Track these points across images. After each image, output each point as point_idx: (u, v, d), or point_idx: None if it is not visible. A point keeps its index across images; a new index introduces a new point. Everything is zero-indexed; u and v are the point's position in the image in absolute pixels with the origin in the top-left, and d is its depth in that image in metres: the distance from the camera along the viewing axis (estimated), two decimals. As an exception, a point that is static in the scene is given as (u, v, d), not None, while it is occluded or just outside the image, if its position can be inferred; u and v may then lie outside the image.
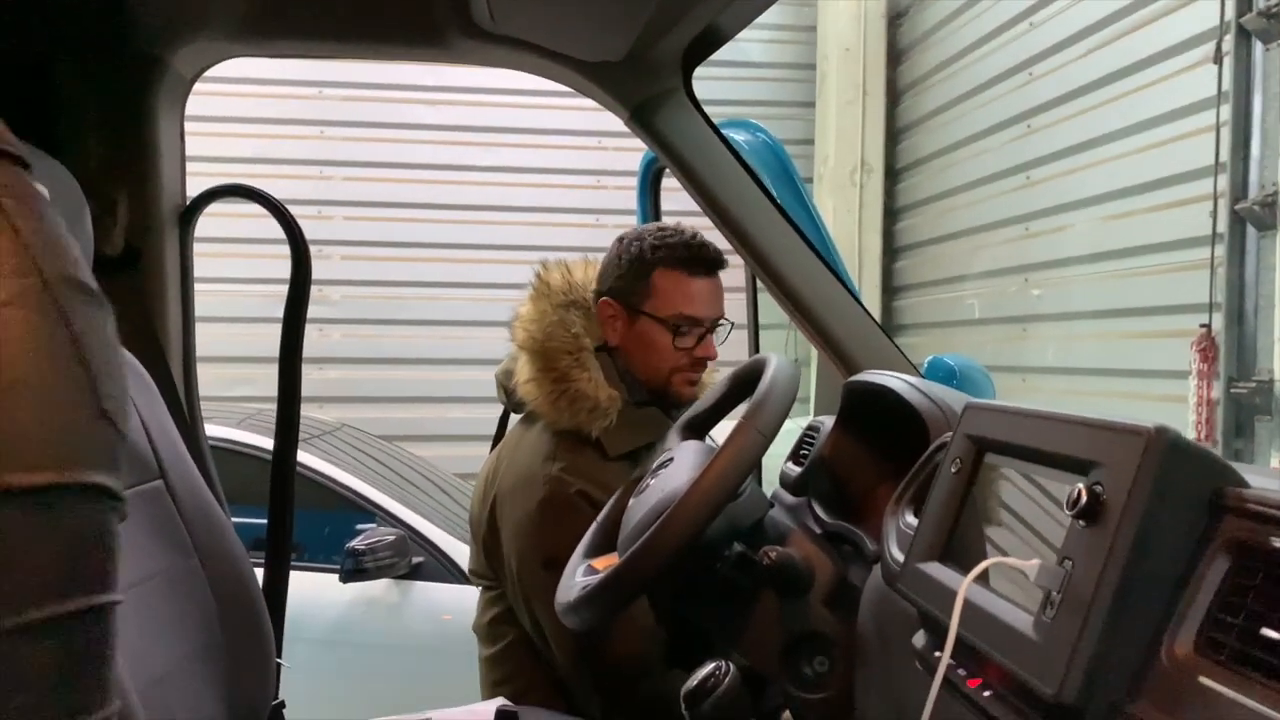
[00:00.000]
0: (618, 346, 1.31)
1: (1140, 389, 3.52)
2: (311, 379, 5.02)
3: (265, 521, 1.32)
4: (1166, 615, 0.53)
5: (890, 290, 5.48)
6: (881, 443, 1.10)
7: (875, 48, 5.40)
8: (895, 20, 5.47)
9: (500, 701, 1.17)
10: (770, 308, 1.49)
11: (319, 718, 2.06)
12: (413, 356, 5.16)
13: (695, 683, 0.89)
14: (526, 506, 1.23)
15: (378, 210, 5.18)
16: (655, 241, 1.30)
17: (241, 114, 4.99)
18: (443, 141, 5.24)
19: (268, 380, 1.32)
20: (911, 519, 0.81)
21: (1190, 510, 0.54)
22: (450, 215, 5.22)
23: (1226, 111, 3.04)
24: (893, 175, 5.47)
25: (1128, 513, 0.53)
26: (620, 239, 1.34)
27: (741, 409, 1.01)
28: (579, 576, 1.04)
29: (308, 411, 4.12)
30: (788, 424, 1.37)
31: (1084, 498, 0.55)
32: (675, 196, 1.58)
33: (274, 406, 1.32)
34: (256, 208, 1.33)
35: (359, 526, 2.49)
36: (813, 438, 1.19)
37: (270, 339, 1.31)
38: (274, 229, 1.30)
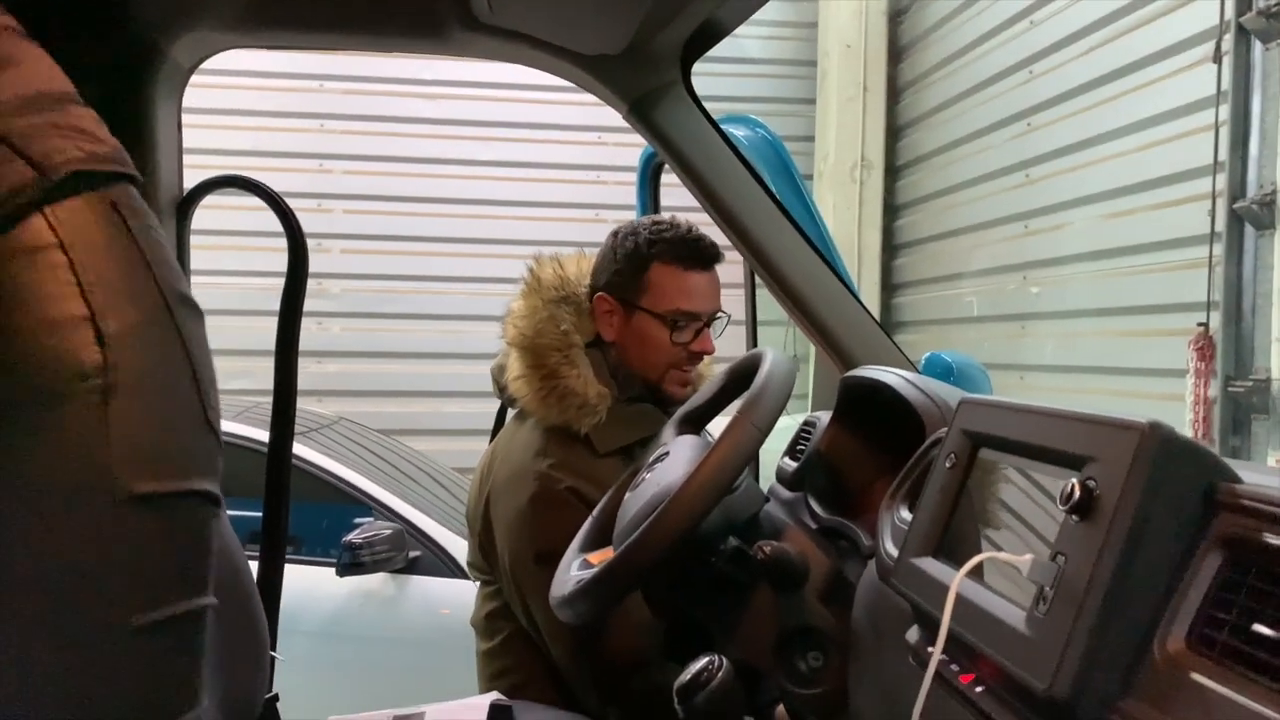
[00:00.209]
0: (614, 341, 1.31)
1: (1138, 387, 3.53)
2: (310, 372, 5.06)
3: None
4: (1159, 611, 0.53)
5: (890, 287, 5.48)
6: (878, 438, 1.10)
7: (876, 45, 5.39)
8: (896, 17, 5.47)
9: (495, 695, 1.17)
10: (769, 304, 1.49)
11: (315, 711, 2.06)
12: (412, 350, 5.16)
13: (688, 677, 0.89)
14: (518, 502, 1.23)
15: (378, 204, 5.17)
16: (651, 236, 1.29)
17: (242, 107, 4.99)
18: (443, 136, 5.23)
19: (265, 373, 1.32)
20: (906, 514, 0.81)
21: (1183, 506, 0.53)
22: (451, 210, 5.22)
23: (1225, 111, 3.04)
24: (893, 172, 5.47)
25: (1121, 508, 0.53)
26: (615, 233, 1.34)
27: (738, 404, 1.01)
28: (574, 570, 1.04)
29: (306, 405, 4.11)
30: (785, 420, 1.37)
31: (1077, 493, 0.55)
32: (675, 192, 1.58)
33: (271, 400, 1.31)
34: (254, 200, 1.33)
35: (356, 520, 2.49)
36: (809, 433, 1.19)
37: (268, 332, 1.30)
38: (272, 221, 1.30)
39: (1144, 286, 3.48)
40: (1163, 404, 3.23)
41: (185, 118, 1.38)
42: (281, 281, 1.32)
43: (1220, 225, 3.06)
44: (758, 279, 1.48)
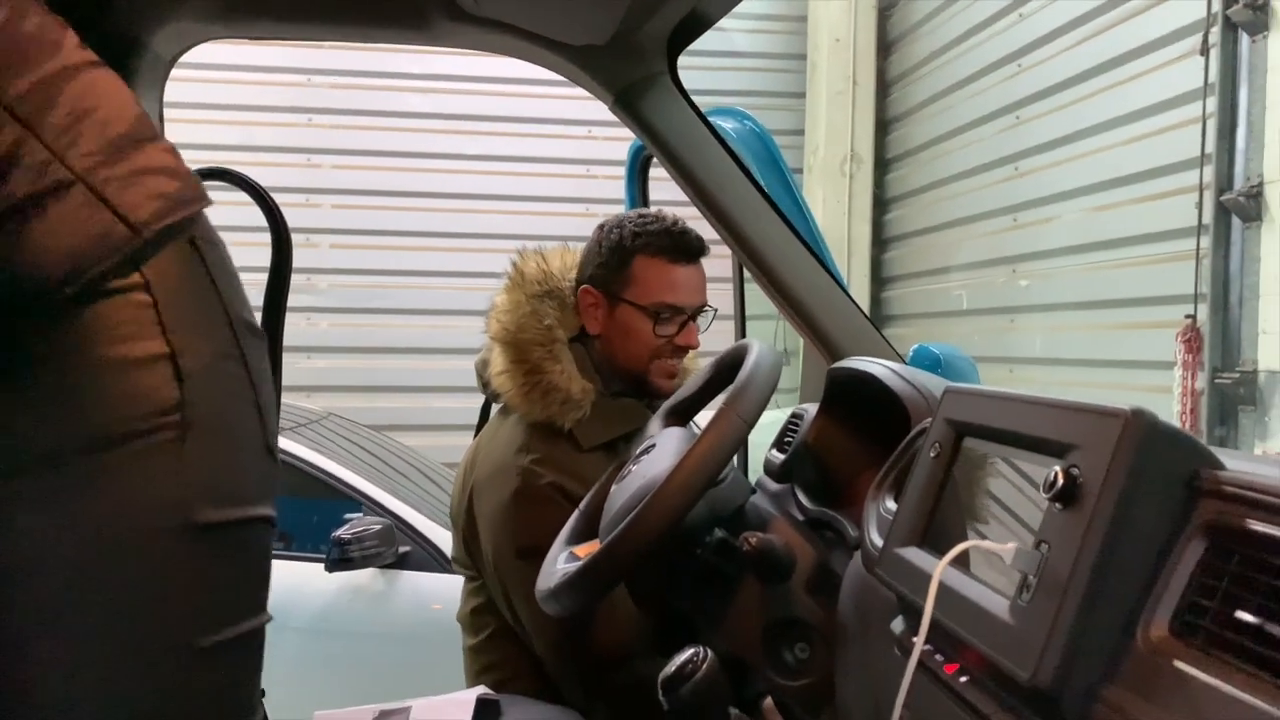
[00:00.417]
0: (598, 335, 1.30)
1: (1126, 379, 3.54)
2: (299, 368, 5.04)
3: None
4: (1142, 598, 0.53)
5: (879, 281, 5.49)
6: (865, 429, 1.10)
7: (865, 38, 5.39)
8: (885, 11, 5.47)
9: (481, 689, 1.17)
10: (759, 298, 1.49)
11: (304, 707, 2.05)
12: (401, 345, 5.14)
13: (673, 669, 0.89)
14: (500, 497, 1.23)
15: (366, 198, 5.15)
16: (636, 229, 1.29)
17: (230, 101, 4.96)
18: (432, 130, 5.21)
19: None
20: (891, 504, 0.81)
21: (1166, 493, 0.53)
22: (440, 204, 5.20)
23: (1212, 103, 3.05)
24: (882, 166, 5.48)
25: (1104, 495, 0.53)
26: (601, 226, 1.33)
27: (724, 396, 1.00)
28: (561, 564, 1.03)
29: (294, 400, 4.09)
30: (774, 413, 1.37)
31: (1060, 480, 0.55)
32: (664, 185, 1.57)
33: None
34: (240, 194, 1.31)
35: (345, 516, 2.48)
36: (797, 425, 1.19)
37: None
38: (258, 215, 1.29)
39: (1132, 279, 3.50)
40: (1151, 396, 3.25)
41: (172, 112, 1.37)
42: (266, 276, 1.30)
43: (1207, 218, 3.07)
44: (746, 273, 1.48)
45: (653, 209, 1.39)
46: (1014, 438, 0.65)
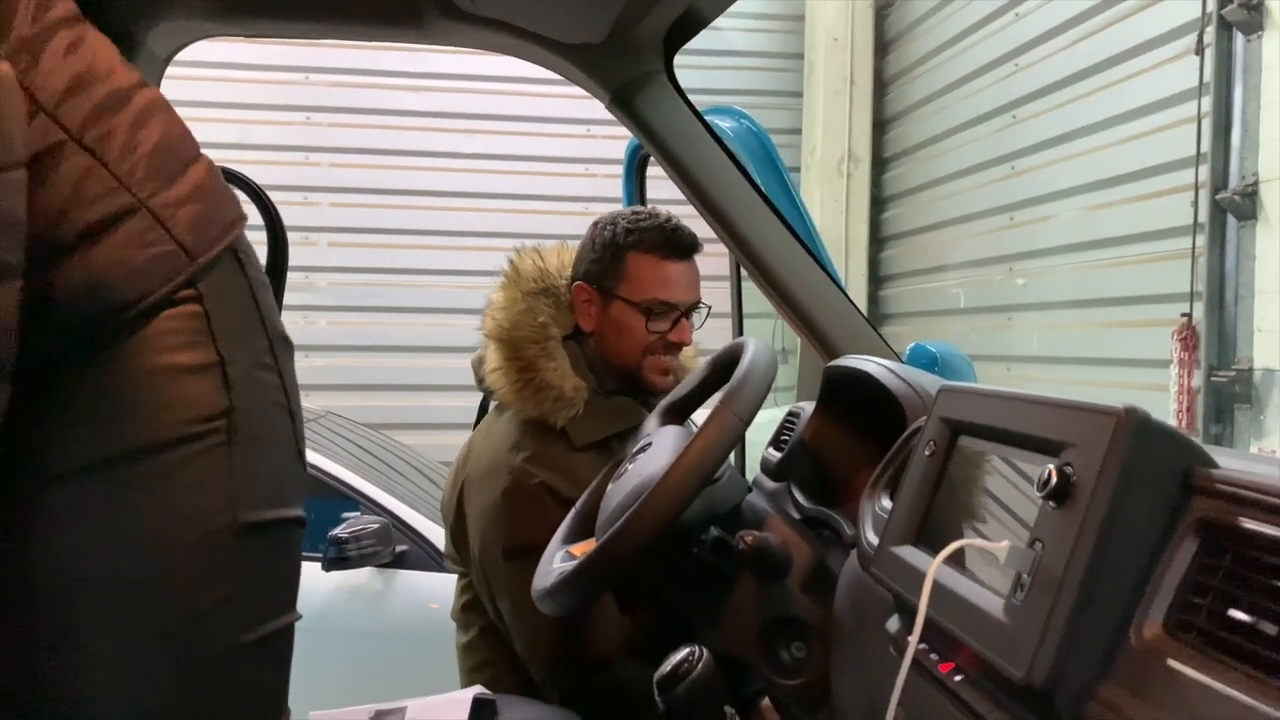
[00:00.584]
0: (592, 332, 1.30)
1: (1123, 378, 3.55)
2: (297, 366, 5.01)
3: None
4: (1136, 596, 0.53)
5: (876, 279, 5.49)
6: (861, 427, 1.10)
7: (863, 38, 5.39)
8: (883, 11, 5.47)
9: (478, 689, 1.17)
10: (757, 296, 1.49)
11: (301, 707, 2.05)
12: (399, 344, 5.14)
13: (669, 668, 0.89)
14: (490, 495, 1.23)
15: (365, 196, 5.14)
16: (629, 225, 1.29)
17: (228, 99, 4.95)
18: (431, 129, 5.21)
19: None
20: (887, 503, 0.81)
21: (1160, 490, 0.53)
22: (439, 202, 5.19)
23: (1207, 103, 3.05)
24: (879, 165, 5.48)
25: (1097, 493, 0.53)
26: (595, 224, 1.33)
27: (721, 394, 1.00)
28: (557, 563, 1.03)
29: (290, 399, 4.03)
30: (772, 412, 1.37)
31: (1054, 478, 0.55)
32: (662, 184, 1.57)
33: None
34: (236, 192, 1.31)
35: (343, 515, 2.48)
36: (793, 423, 1.19)
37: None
38: (253, 213, 1.29)
39: (1128, 277, 3.50)
40: (1147, 394, 3.25)
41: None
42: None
43: (1203, 216, 3.08)
44: (743, 271, 1.48)
45: (647, 207, 1.39)
46: (1008, 436, 0.65)
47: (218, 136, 4.79)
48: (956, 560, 0.64)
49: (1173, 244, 3.25)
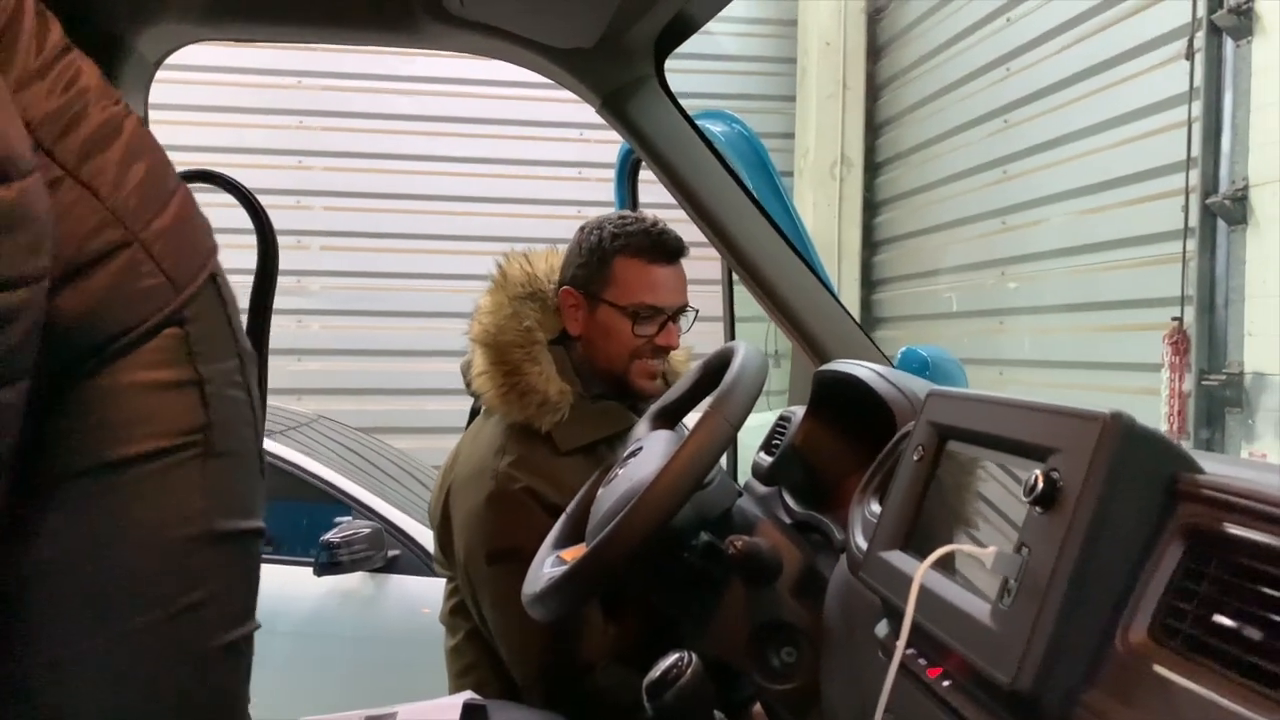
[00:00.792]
0: (579, 336, 1.30)
1: (1114, 381, 3.56)
2: (290, 370, 5.02)
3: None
4: (1122, 602, 0.53)
5: (869, 284, 5.51)
6: (852, 432, 1.10)
7: (855, 42, 5.41)
8: (875, 15, 5.49)
9: (468, 695, 1.16)
10: (749, 300, 1.49)
11: (290, 712, 2.04)
12: (392, 348, 5.13)
13: (657, 674, 0.88)
14: (475, 500, 1.23)
15: (357, 201, 5.13)
16: (615, 230, 1.29)
17: (220, 103, 4.94)
18: (424, 132, 5.20)
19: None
20: (876, 507, 0.81)
21: (1145, 496, 0.53)
22: (431, 206, 5.19)
23: (1198, 107, 3.07)
24: (872, 169, 5.49)
25: (1083, 499, 0.53)
26: (582, 228, 1.33)
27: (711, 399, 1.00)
28: (547, 567, 1.03)
29: (284, 403, 4.07)
30: (765, 416, 1.37)
31: (1041, 484, 0.55)
32: (654, 187, 1.57)
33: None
34: (226, 196, 1.31)
35: (335, 519, 2.47)
36: (784, 427, 1.19)
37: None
38: (245, 217, 1.28)
39: (1120, 281, 3.52)
40: (1139, 398, 3.26)
41: (163, 114, 1.36)
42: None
43: (1194, 220, 3.09)
44: (735, 275, 1.48)
45: (634, 211, 1.39)
46: (996, 441, 0.65)
47: (211, 141, 4.78)
48: (945, 565, 0.64)
49: (1164, 248, 3.27)
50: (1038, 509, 0.56)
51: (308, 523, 2.54)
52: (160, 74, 1.33)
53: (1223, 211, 3.02)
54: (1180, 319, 3.12)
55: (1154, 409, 3.14)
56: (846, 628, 0.87)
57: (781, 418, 1.23)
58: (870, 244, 5.50)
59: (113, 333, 0.54)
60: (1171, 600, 0.51)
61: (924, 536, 0.71)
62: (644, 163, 1.55)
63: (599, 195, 5.09)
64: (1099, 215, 3.63)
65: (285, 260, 1.31)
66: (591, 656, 1.20)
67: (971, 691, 0.61)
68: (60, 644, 0.54)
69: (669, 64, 1.33)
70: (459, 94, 5.19)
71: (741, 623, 0.98)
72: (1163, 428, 3.10)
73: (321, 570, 2.32)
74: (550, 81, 1.35)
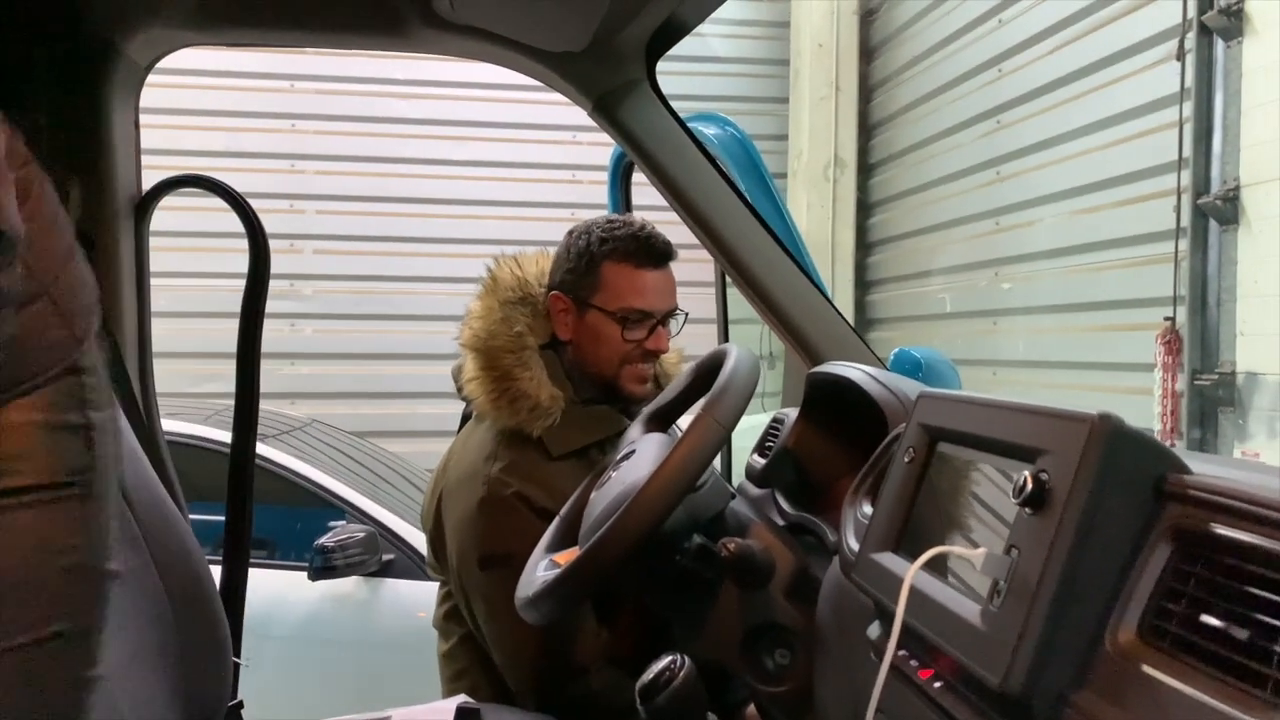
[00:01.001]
0: (569, 341, 1.30)
1: (1108, 381, 3.57)
2: (283, 374, 5.01)
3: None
4: (1110, 603, 0.53)
5: (863, 285, 5.51)
6: (845, 433, 1.10)
7: (848, 44, 5.42)
8: (867, 17, 5.50)
9: (462, 699, 1.16)
10: (743, 302, 1.49)
11: (284, 716, 2.04)
12: (385, 352, 5.12)
13: (650, 677, 0.88)
14: (466, 505, 1.23)
15: (350, 204, 5.13)
16: (603, 234, 1.28)
17: (212, 107, 4.93)
18: (417, 135, 5.20)
19: (233, 376, 1.30)
20: (868, 509, 0.81)
21: (1133, 497, 0.54)
22: (424, 209, 5.18)
23: (1189, 108, 3.08)
24: (865, 170, 5.50)
25: (1072, 500, 0.53)
26: (570, 232, 1.33)
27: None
28: (540, 571, 1.03)
29: (278, 407, 4.05)
30: (759, 418, 1.37)
31: (1030, 485, 0.55)
32: (647, 190, 1.58)
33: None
34: (219, 200, 1.31)
35: (329, 523, 2.46)
36: (777, 430, 1.19)
37: (235, 334, 1.29)
38: (238, 221, 1.28)
39: (1112, 282, 3.53)
40: (1132, 398, 3.27)
41: (154, 118, 1.36)
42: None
43: (1185, 221, 3.10)
44: (728, 277, 1.48)
45: (622, 215, 1.38)
46: (986, 442, 0.65)
47: (202, 145, 4.77)
48: (936, 567, 0.64)
49: (1156, 248, 3.28)
50: (1027, 510, 0.56)
51: (302, 527, 2.54)
52: (151, 78, 1.33)
53: (1214, 211, 3.03)
54: (1173, 319, 3.13)
55: (1147, 409, 3.15)
56: (839, 629, 0.87)
57: (775, 420, 1.23)
58: (864, 245, 5.51)
59: (17, 379, 0.57)
60: (1160, 601, 0.51)
61: (915, 538, 0.71)
62: (636, 165, 1.55)
63: (592, 198, 5.09)
64: (1092, 216, 3.64)
65: (277, 264, 1.31)
66: (585, 659, 1.20)
67: (962, 692, 0.61)
68: None
69: (661, 66, 1.33)
70: (451, 97, 5.19)
71: (734, 625, 0.98)
72: (1156, 428, 3.12)
73: (316, 575, 2.31)
74: (542, 84, 1.35)
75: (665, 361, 1.38)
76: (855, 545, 0.78)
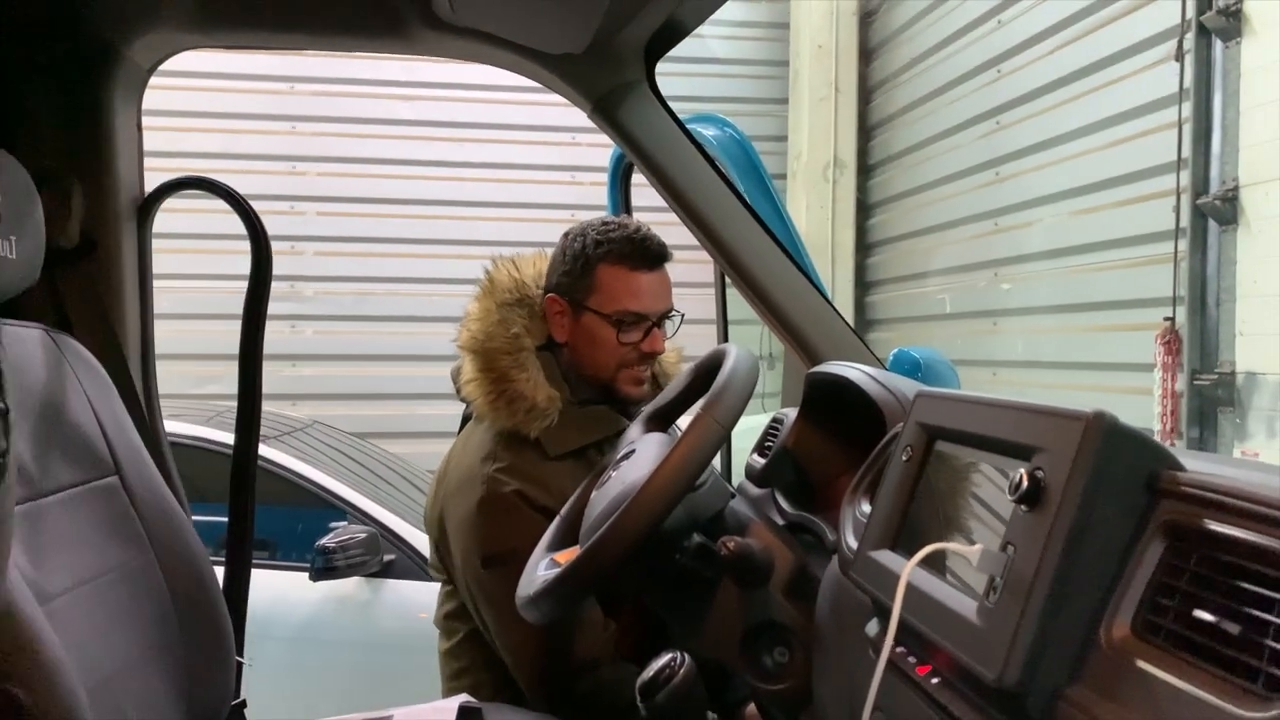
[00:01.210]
0: (565, 343, 1.31)
1: (1107, 382, 3.58)
2: (284, 375, 5.02)
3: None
4: (1105, 598, 0.54)
5: (863, 285, 5.52)
6: (844, 433, 1.11)
7: (847, 45, 5.43)
8: (867, 18, 5.51)
9: (464, 698, 1.17)
10: (743, 303, 1.50)
11: (286, 716, 2.04)
12: (386, 353, 5.12)
13: (650, 674, 0.89)
14: (467, 505, 1.23)
15: (351, 206, 5.13)
16: (598, 237, 1.29)
17: (213, 109, 4.94)
18: (417, 137, 5.20)
19: (235, 378, 1.31)
20: (867, 507, 0.82)
21: (1128, 494, 0.54)
22: (424, 210, 5.19)
23: (1188, 108, 3.08)
24: (865, 171, 5.51)
25: (1067, 497, 0.54)
26: (566, 234, 1.33)
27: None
28: (541, 570, 1.03)
29: (279, 409, 4.05)
30: (759, 418, 1.37)
31: (1025, 482, 0.56)
32: (646, 191, 1.58)
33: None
34: (220, 201, 1.32)
35: (330, 524, 2.47)
36: (777, 430, 1.20)
37: (237, 336, 1.29)
38: (239, 223, 1.29)
39: (1111, 282, 3.53)
40: (1132, 398, 3.28)
41: (155, 120, 1.37)
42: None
43: (1185, 221, 3.11)
44: (727, 278, 1.49)
45: (617, 217, 1.39)
46: (982, 440, 0.65)
47: (204, 147, 4.78)
48: (934, 564, 0.65)
49: (1155, 249, 3.28)
50: (1023, 507, 0.57)
51: (303, 528, 2.54)
52: (153, 80, 1.34)
53: (1213, 212, 3.04)
54: (1172, 319, 3.14)
55: (1147, 409, 3.15)
56: (838, 627, 0.87)
57: (774, 420, 1.23)
58: (864, 246, 5.51)
59: None
60: (1153, 596, 0.52)
61: (913, 536, 0.71)
62: (636, 167, 1.56)
63: (592, 199, 5.10)
64: (1091, 216, 3.64)
65: (278, 265, 1.32)
66: (593, 655, 1.20)
67: (959, 688, 0.61)
68: None
69: (661, 67, 1.34)
70: (451, 99, 5.19)
71: (734, 623, 0.98)
72: (1155, 428, 3.12)
73: (317, 575, 2.31)
74: (542, 86, 1.36)
75: (665, 361, 1.39)
76: (854, 543, 0.78)
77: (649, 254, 1.28)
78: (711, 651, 0.99)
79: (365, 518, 2.50)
